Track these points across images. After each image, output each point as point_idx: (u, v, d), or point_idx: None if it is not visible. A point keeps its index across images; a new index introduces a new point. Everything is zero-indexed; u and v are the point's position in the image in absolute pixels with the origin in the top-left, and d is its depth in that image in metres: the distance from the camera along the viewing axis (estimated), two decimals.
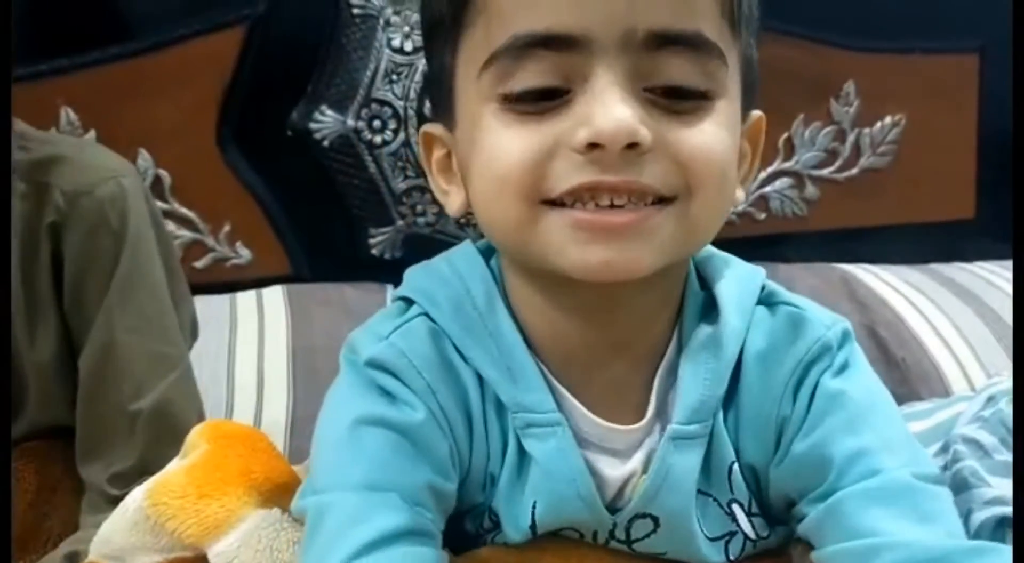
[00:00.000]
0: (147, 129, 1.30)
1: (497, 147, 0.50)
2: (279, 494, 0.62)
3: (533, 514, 0.57)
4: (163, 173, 1.31)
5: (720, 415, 0.57)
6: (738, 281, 0.60)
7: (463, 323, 0.58)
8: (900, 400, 1.17)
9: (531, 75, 0.49)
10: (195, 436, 0.68)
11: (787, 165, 1.52)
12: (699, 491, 0.58)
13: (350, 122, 1.33)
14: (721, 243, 1.63)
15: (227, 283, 1.35)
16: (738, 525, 0.59)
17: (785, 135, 1.51)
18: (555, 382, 0.57)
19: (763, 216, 1.53)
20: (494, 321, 0.57)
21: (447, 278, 0.60)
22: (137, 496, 0.63)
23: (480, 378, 0.57)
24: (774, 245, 1.53)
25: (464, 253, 0.61)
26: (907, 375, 1.24)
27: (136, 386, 0.83)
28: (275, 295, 1.33)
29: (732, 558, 0.60)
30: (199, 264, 1.35)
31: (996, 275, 1.44)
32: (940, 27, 1.53)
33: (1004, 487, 0.67)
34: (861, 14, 1.50)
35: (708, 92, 0.51)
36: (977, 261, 1.53)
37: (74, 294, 0.84)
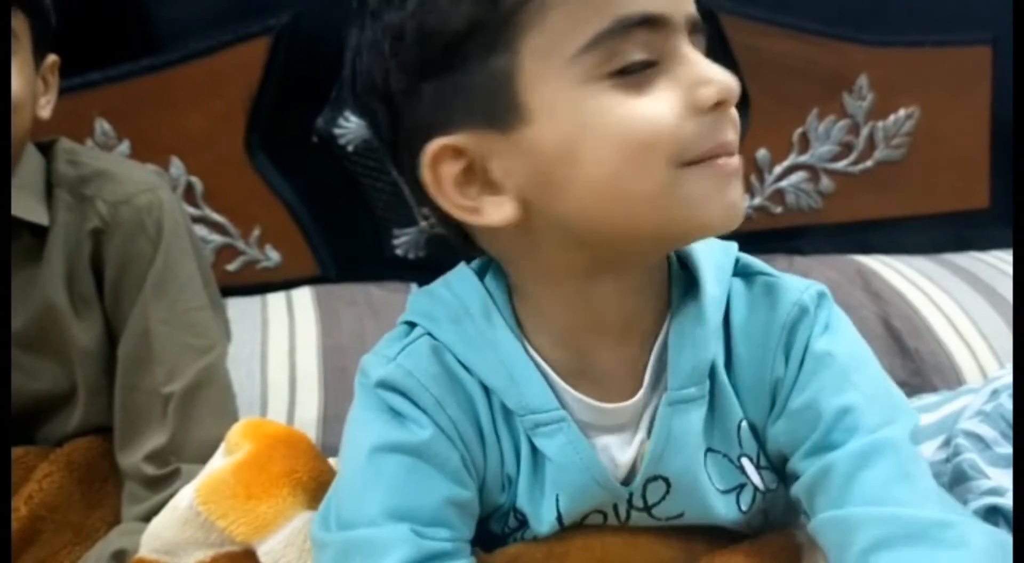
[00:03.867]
0: (178, 138, 1.34)
1: (632, 115, 0.52)
2: (322, 494, 0.65)
3: (558, 506, 0.61)
4: (194, 180, 1.36)
5: (724, 377, 0.62)
6: (712, 256, 0.64)
7: (464, 338, 0.61)
8: (913, 391, 1.20)
9: (636, 50, 0.53)
10: (237, 435, 0.71)
11: (802, 159, 1.54)
12: (710, 449, 0.62)
13: None
14: (737, 236, 1.64)
15: (258, 285, 1.40)
16: (748, 477, 0.63)
17: (800, 129, 1.53)
18: (555, 378, 0.61)
19: (779, 210, 1.55)
20: (492, 333, 0.61)
21: (446, 299, 0.63)
22: (187, 494, 0.67)
23: (485, 388, 0.61)
24: (790, 238, 1.56)
25: (460, 275, 0.65)
26: (921, 366, 1.25)
27: (168, 371, 0.90)
28: (304, 296, 1.38)
29: (744, 509, 0.64)
30: (231, 267, 1.40)
31: (1009, 264, 1.46)
32: (952, 20, 1.54)
33: (1002, 478, 0.70)
34: (873, 8, 1.52)
35: None
36: (992, 250, 1.54)
37: (114, 291, 0.91)
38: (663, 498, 0.62)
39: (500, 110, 0.54)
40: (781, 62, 1.49)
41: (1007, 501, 0.66)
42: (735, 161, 0.55)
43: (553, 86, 0.53)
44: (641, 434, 0.62)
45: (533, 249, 0.59)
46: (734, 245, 0.66)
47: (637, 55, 0.53)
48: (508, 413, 0.61)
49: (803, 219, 1.57)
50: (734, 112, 0.55)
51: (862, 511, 0.56)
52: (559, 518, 0.62)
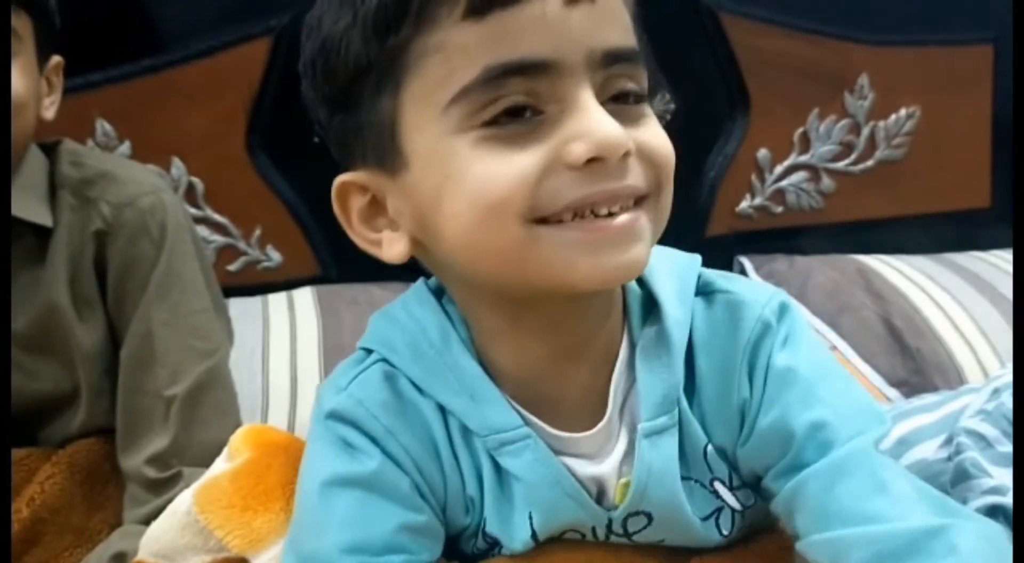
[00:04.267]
0: (179, 138, 1.34)
1: (487, 173, 0.51)
2: None
3: (531, 524, 0.60)
4: (195, 180, 1.35)
5: (684, 403, 0.60)
6: (675, 275, 0.62)
7: (421, 362, 0.60)
8: (914, 390, 1.20)
9: (509, 100, 0.51)
10: (239, 441, 0.72)
11: (803, 159, 1.54)
12: (683, 477, 0.60)
13: None
14: (739, 236, 1.63)
15: (259, 285, 1.40)
16: (723, 500, 0.62)
17: (800, 129, 1.53)
18: (515, 404, 0.60)
19: (780, 209, 1.55)
20: (451, 355, 0.60)
21: (403, 323, 0.62)
22: (186, 500, 0.68)
23: (442, 411, 0.60)
24: (791, 238, 1.56)
25: (418, 295, 0.64)
26: (922, 365, 1.26)
27: (171, 373, 0.90)
28: (305, 296, 1.37)
29: (725, 533, 0.63)
30: (232, 267, 1.40)
31: (1011, 264, 1.45)
32: (954, 19, 1.55)
33: (1004, 477, 0.70)
34: (873, 8, 1.52)
35: (643, 96, 0.54)
36: (994, 249, 1.54)
37: (117, 293, 0.91)
38: (644, 528, 0.62)
39: (387, 153, 0.54)
40: (782, 62, 1.49)
41: (1009, 500, 0.66)
42: (615, 223, 0.51)
43: (427, 135, 0.52)
44: (607, 466, 0.60)
45: (447, 283, 0.61)
46: (697, 259, 0.64)
47: (511, 103, 0.50)
48: (467, 434, 0.60)
49: (804, 219, 1.57)
50: (632, 166, 0.52)
51: (848, 532, 0.55)
52: (534, 535, 0.61)
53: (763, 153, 1.52)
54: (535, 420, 0.60)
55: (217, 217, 1.38)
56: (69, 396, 0.92)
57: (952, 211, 1.62)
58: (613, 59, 0.52)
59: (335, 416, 0.61)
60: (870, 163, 1.57)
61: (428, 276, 0.66)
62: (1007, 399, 0.77)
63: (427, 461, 0.60)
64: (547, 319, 0.58)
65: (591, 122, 0.50)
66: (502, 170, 0.50)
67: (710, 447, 0.61)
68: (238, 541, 0.65)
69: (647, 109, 0.55)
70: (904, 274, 1.44)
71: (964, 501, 0.69)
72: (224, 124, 1.35)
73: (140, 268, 0.91)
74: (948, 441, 0.78)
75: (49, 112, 0.91)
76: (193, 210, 1.35)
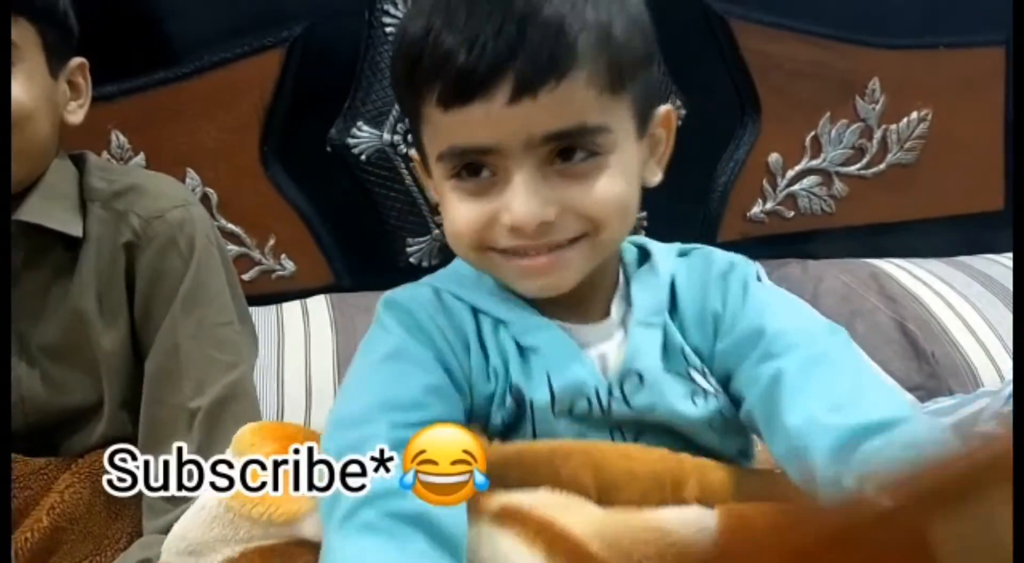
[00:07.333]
0: (193, 150, 1.35)
1: (454, 215, 0.69)
2: None
3: (549, 383, 0.71)
4: (210, 191, 1.37)
5: (668, 319, 0.74)
6: (660, 246, 0.78)
7: (460, 283, 0.75)
8: (930, 394, 1.20)
9: (469, 166, 0.67)
10: (254, 436, 0.70)
11: (814, 163, 1.54)
12: (665, 369, 0.72)
13: (386, 137, 1.37)
14: (751, 241, 1.64)
15: (273, 294, 1.41)
16: (698, 384, 0.73)
17: (811, 133, 1.53)
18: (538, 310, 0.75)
19: (792, 214, 1.55)
20: (482, 281, 0.75)
21: (443, 272, 0.78)
22: (213, 493, 0.67)
23: (475, 313, 0.74)
24: (803, 242, 1.56)
25: (453, 263, 0.79)
26: (937, 369, 1.25)
27: (195, 386, 0.90)
28: (319, 304, 1.38)
29: (699, 405, 0.72)
30: (246, 277, 1.40)
31: None
32: (964, 21, 1.55)
33: None
34: (884, 11, 1.52)
35: (598, 154, 0.66)
36: (1007, 252, 1.54)
37: (144, 305, 0.92)
38: (637, 390, 0.71)
39: (425, 159, 0.71)
40: (792, 66, 1.49)
41: None
42: (537, 262, 0.67)
43: (436, 170, 0.69)
44: (612, 343, 0.72)
45: None
46: (677, 245, 0.79)
47: (468, 161, 0.66)
48: (496, 328, 0.73)
49: (816, 223, 1.57)
50: (559, 222, 0.65)
51: (804, 427, 0.62)
52: (551, 392, 0.71)
53: (774, 158, 1.52)
54: (555, 320, 0.73)
55: (231, 227, 1.39)
56: (93, 407, 0.92)
57: (965, 214, 1.61)
58: (554, 139, 0.64)
59: (389, 302, 0.74)
60: (882, 167, 1.57)
61: None
62: None
63: (457, 343, 0.73)
64: None
65: (513, 201, 0.65)
66: (461, 215, 0.68)
67: (686, 348, 0.73)
68: (282, 509, 0.65)
69: (602, 162, 0.66)
70: (917, 278, 1.43)
71: None
72: (238, 135, 1.36)
73: (168, 281, 0.91)
74: None
75: (76, 116, 0.91)
76: None
